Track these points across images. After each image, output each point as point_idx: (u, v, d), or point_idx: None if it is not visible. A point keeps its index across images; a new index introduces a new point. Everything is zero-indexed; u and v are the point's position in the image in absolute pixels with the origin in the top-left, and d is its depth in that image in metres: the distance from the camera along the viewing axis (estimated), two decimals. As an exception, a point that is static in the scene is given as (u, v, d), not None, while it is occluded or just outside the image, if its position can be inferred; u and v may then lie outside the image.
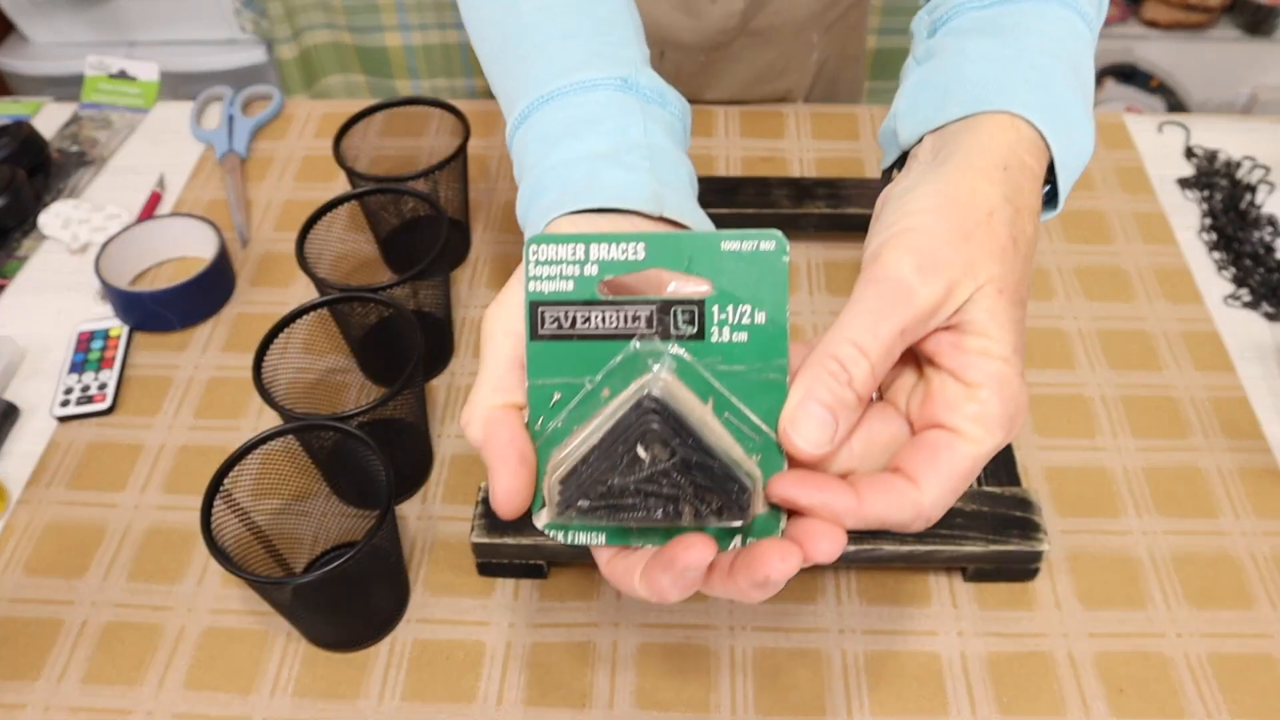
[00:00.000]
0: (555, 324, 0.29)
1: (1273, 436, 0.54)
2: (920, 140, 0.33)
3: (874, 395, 0.30)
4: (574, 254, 0.29)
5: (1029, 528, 0.47)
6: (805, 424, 0.27)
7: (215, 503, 0.43)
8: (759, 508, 0.28)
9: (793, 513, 0.28)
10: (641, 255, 0.28)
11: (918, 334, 0.28)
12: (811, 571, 0.49)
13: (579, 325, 0.29)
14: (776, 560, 0.26)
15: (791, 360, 0.29)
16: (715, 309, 0.28)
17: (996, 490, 0.48)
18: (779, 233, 0.28)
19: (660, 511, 0.27)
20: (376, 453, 0.44)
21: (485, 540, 0.47)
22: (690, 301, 0.28)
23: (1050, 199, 0.34)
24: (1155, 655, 0.46)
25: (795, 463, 0.28)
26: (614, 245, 0.29)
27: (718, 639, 0.47)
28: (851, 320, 0.28)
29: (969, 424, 0.27)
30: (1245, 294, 0.62)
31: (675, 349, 0.29)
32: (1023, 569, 0.48)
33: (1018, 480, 0.50)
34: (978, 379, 0.28)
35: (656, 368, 0.28)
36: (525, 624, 0.48)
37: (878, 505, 0.27)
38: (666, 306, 0.28)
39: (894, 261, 0.28)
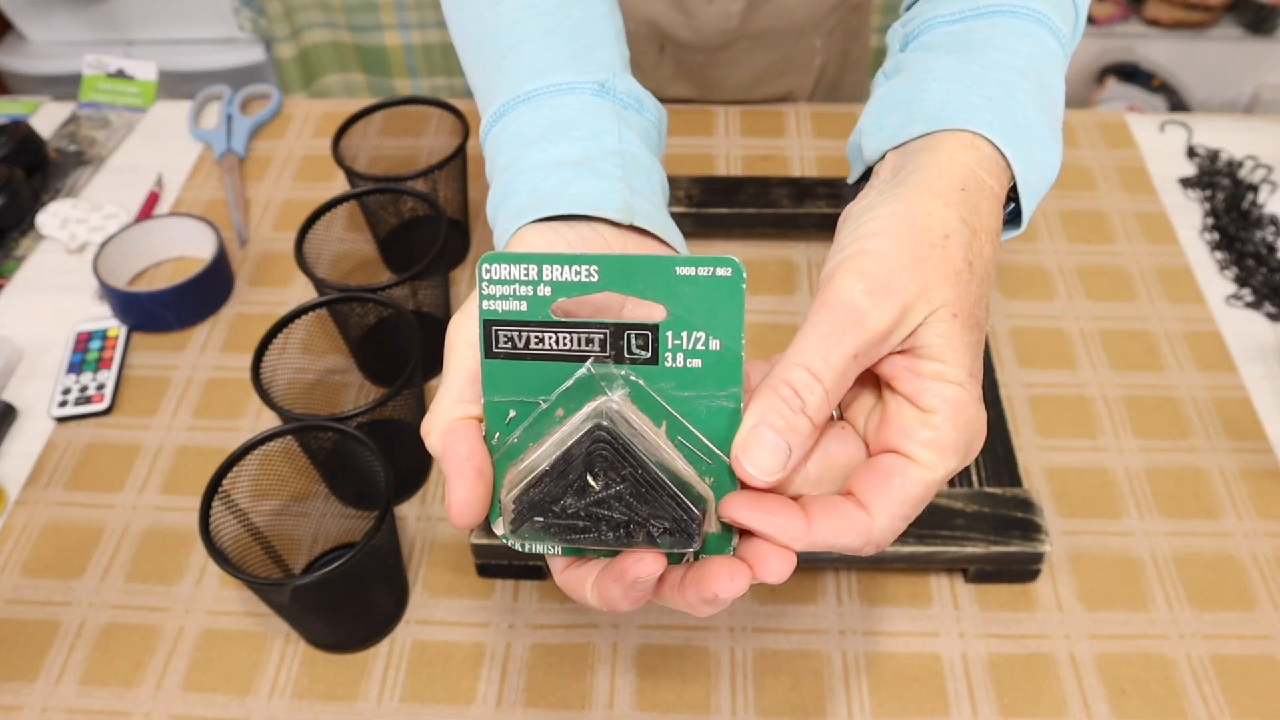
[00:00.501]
0: (509, 343, 0.29)
1: (1275, 437, 0.54)
2: (883, 156, 0.33)
3: (833, 414, 0.30)
4: (526, 274, 0.28)
5: (1030, 529, 0.47)
6: (757, 451, 0.27)
7: (213, 503, 0.43)
8: (711, 527, 0.28)
9: (744, 531, 0.28)
10: (595, 278, 0.28)
11: (872, 357, 0.28)
12: (812, 572, 0.49)
13: (533, 345, 0.29)
14: (725, 579, 0.27)
15: (751, 377, 0.29)
16: (669, 334, 0.28)
17: (998, 491, 0.48)
18: (736, 260, 0.28)
19: (612, 535, 0.28)
20: (375, 453, 0.44)
21: (485, 541, 0.47)
22: (643, 326, 0.28)
23: (1015, 217, 0.34)
24: (1157, 657, 0.46)
25: (749, 486, 0.28)
26: (567, 267, 0.28)
27: (718, 640, 0.47)
28: (804, 345, 0.27)
29: (922, 450, 0.28)
30: (1247, 294, 0.61)
31: (628, 373, 0.28)
32: (1024, 570, 0.48)
33: (1019, 481, 0.50)
34: (932, 404, 0.28)
35: (610, 393, 0.28)
36: (525, 625, 0.48)
37: (827, 530, 0.27)
38: (620, 330, 0.28)
39: (846, 286, 0.28)
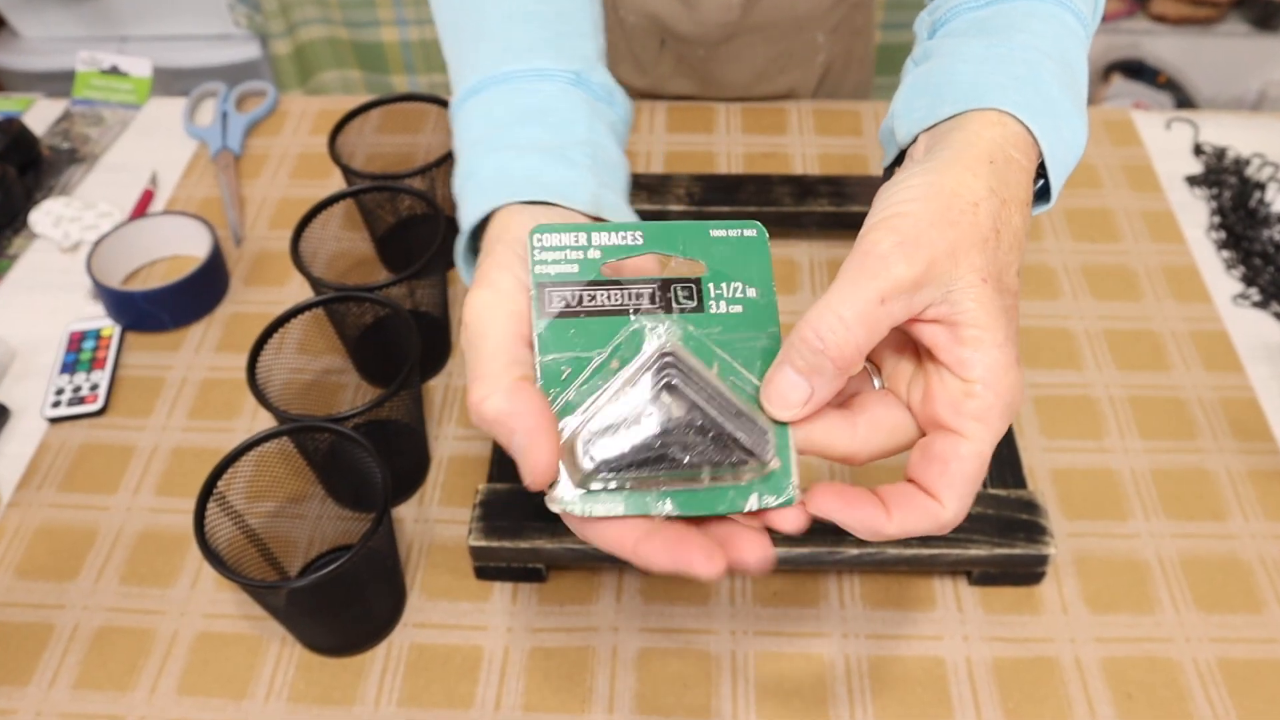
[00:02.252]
0: (562, 302, 0.31)
1: (1282, 437, 0.54)
2: (915, 139, 0.35)
3: (875, 383, 0.33)
4: (576, 240, 0.31)
5: (1035, 531, 0.46)
6: (779, 388, 0.30)
7: (209, 505, 0.43)
8: (772, 460, 0.30)
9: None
10: (639, 242, 0.31)
11: (900, 312, 0.29)
12: (814, 575, 0.49)
13: (585, 303, 0.31)
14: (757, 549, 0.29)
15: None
16: (710, 285, 0.31)
17: (1002, 493, 0.48)
18: (758, 223, 0.32)
19: (686, 458, 0.29)
20: (373, 455, 0.44)
21: (483, 543, 0.46)
22: (688, 279, 0.31)
23: (1045, 194, 0.35)
24: (1163, 660, 0.46)
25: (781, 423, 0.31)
26: (613, 233, 0.31)
27: (719, 643, 0.46)
28: (832, 292, 0.29)
29: (970, 423, 0.29)
30: (1254, 293, 0.61)
31: (679, 321, 0.31)
32: (1029, 572, 0.47)
33: (1024, 482, 0.49)
34: (975, 375, 0.29)
35: (665, 336, 0.31)
36: (523, 628, 0.47)
37: (907, 521, 0.29)
38: (667, 284, 0.31)
39: (877, 239, 0.29)
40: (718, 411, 0.29)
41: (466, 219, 0.36)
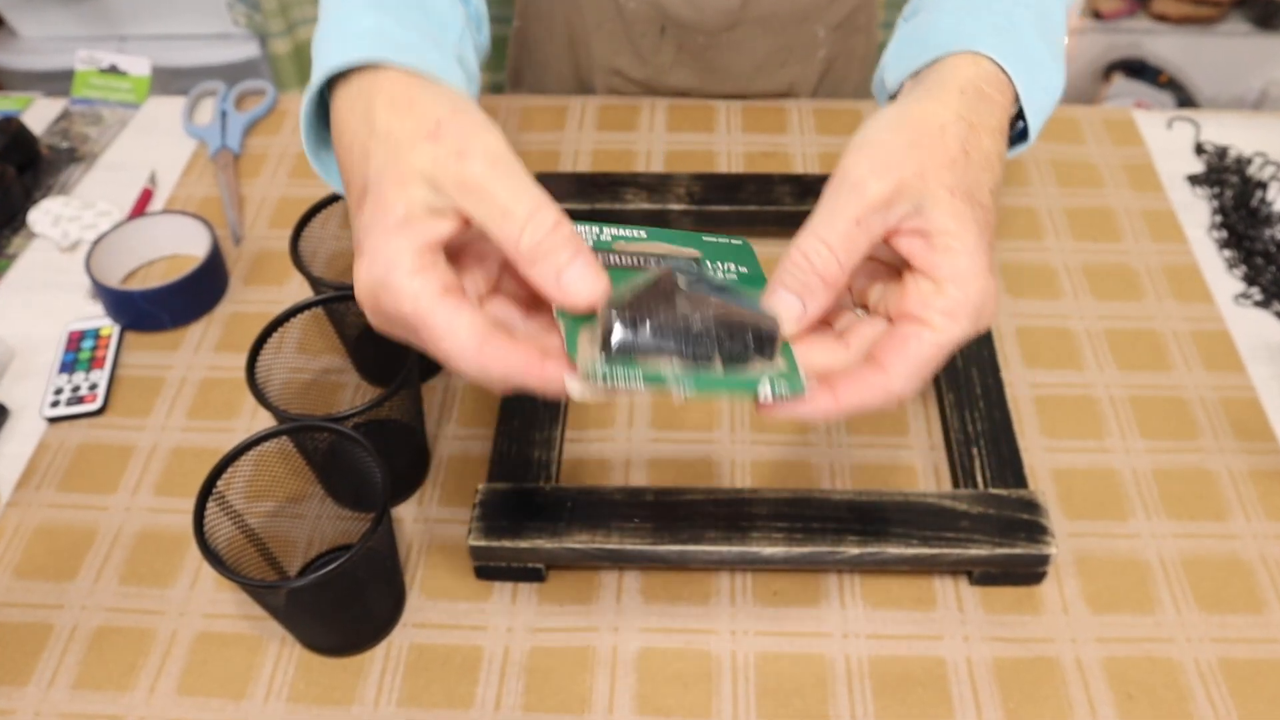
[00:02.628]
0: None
1: (1283, 437, 0.54)
2: (901, 86, 0.38)
3: (856, 311, 0.36)
4: (591, 231, 0.36)
5: (1036, 530, 0.46)
6: (775, 305, 0.33)
7: (208, 505, 0.43)
8: (779, 359, 0.33)
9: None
10: (644, 235, 0.37)
11: (876, 227, 0.32)
12: (814, 575, 0.49)
13: (606, 263, 0.34)
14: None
15: None
16: (708, 263, 0.36)
17: (1003, 492, 0.48)
18: (744, 239, 0.38)
19: (703, 346, 0.31)
20: (372, 454, 0.44)
21: (483, 543, 0.46)
22: (688, 258, 0.36)
23: (1024, 138, 0.38)
24: (1164, 660, 0.45)
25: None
26: (621, 229, 0.36)
27: (719, 643, 0.46)
28: (815, 217, 0.32)
29: (935, 315, 0.32)
30: (1256, 293, 0.61)
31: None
32: (1029, 572, 0.47)
33: (1024, 482, 0.49)
34: (945, 275, 0.32)
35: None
36: (523, 628, 0.47)
37: (852, 397, 0.32)
38: (670, 259, 0.36)
39: (850, 165, 0.32)
40: (730, 308, 0.32)
41: (320, 69, 0.35)
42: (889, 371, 0.32)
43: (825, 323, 0.36)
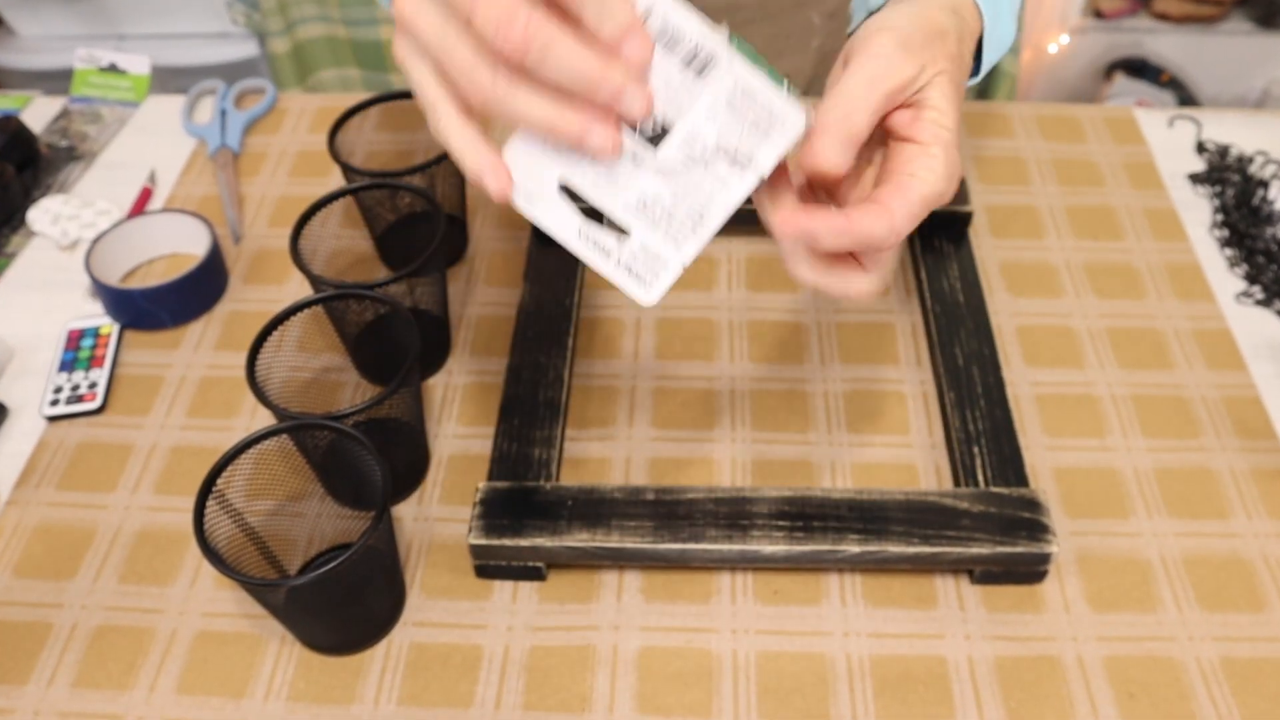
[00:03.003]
0: None
1: (1284, 436, 0.54)
2: (884, 3, 0.41)
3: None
4: None
5: (1037, 529, 0.46)
6: (829, 151, 0.35)
7: (208, 504, 0.42)
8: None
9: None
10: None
11: (895, 102, 0.36)
12: (815, 573, 0.48)
13: None
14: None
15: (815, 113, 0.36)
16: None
17: (1004, 491, 0.47)
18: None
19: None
20: (372, 453, 0.43)
21: (483, 542, 0.46)
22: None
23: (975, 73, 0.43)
24: (1166, 659, 0.45)
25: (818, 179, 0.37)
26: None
27: (720, 642, 0.46)
28: (852, 87, 0.35)
29: (923, 170, 0.36)
30: (1258, 291, 0.61)
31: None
32: (1031, 571, 0.47)
33: (1026, 481, 0.49)
34: (929, 140, 0.36)
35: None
36: (523, 627, 0.47)
37: (863, 222, 0.35)
38: None
39: (882, 43, 0.36)
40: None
41: None
42: (891, 209, 0.35)
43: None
